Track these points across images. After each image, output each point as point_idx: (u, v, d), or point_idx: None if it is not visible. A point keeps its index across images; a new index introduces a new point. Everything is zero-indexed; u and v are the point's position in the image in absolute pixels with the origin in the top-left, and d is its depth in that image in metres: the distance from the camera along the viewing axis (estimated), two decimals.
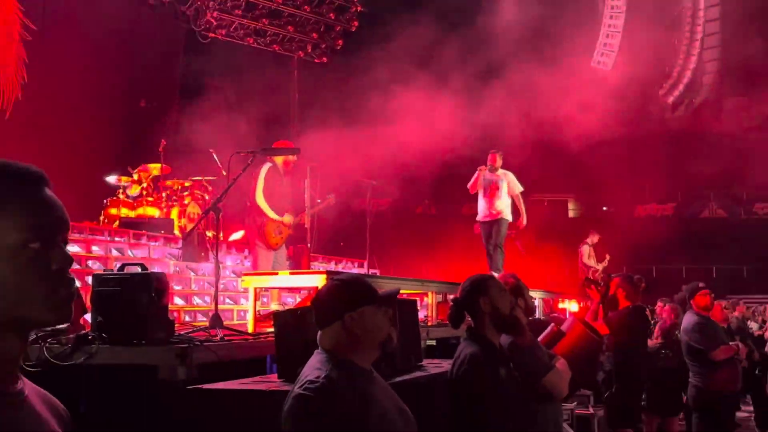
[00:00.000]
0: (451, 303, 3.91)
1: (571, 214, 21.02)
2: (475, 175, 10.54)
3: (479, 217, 10.69)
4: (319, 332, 2.76)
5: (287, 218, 8.15)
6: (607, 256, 15.11)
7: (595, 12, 18.54)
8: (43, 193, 1.40)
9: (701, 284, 7.64)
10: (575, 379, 4.41)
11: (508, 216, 10.54)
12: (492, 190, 10.50)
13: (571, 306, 11.54)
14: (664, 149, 17.57)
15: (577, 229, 17.89)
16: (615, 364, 6.83)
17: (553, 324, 5.15)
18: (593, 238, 15.26)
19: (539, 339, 4.65)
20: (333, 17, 17.20)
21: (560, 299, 12.04)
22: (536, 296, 10.20)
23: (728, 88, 19.63)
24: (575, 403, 7.10)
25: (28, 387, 1.42)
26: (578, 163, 16.30)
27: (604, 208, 19.89)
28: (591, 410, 7.21)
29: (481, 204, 10.59)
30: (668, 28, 19.02)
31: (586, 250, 15.30)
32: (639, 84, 17.52)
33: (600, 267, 15.14)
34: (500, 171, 10.59)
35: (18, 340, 1.38)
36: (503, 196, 10.48)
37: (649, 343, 7.57)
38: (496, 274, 9.42)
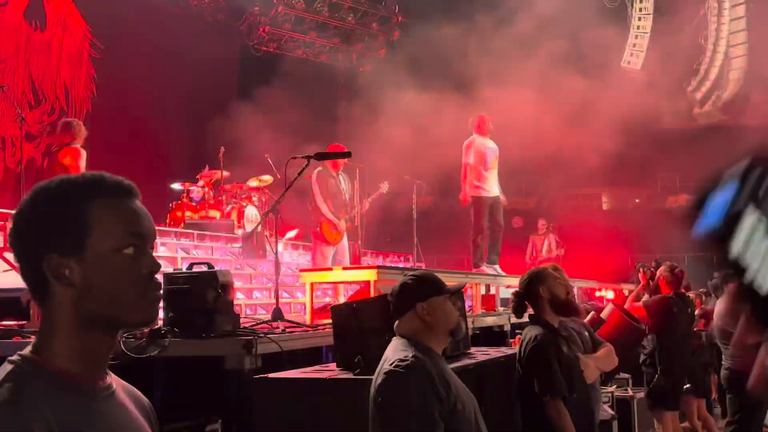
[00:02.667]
0: (513, 295, 4.25)
1: (604, 206, 20.74)
2: (478, 148, 8.85)
3: (482, 193, 8.85)
4: (397, 321, 2.91)
5: (342, 224, 8.17)
6: (562, 251, 13.50)
7: (624, 15, 18.28)
8: (135, 204, 1.43)
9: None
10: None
11: None
12: (493, 162, 8.89)
13: (608, 294, 11.39)
14: (692, 143, 17.22)
15: (611, 220, 17.63)
16: (654, 347, 6.78)
17: (593, 312, 5.10)
18: (543, 226, 13.73)
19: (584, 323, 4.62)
20: (376, 28, 17.19)
21: (597, 288, 11.89)
22: (574, 285, 10.04)
23: (753, 83, 19.21)
24: (615, 386, 7.00)
25: (115, 381, 1.45)
26: (610, 159, 16.07)
27: (636, 201, 19.59)
28: (630, 393, 7.10)
29: (482, 178, 8.83)
30: (695, 28, 18.66)
31: (535, 239, 13.79)
32: (667, 81, 17.25)
33: (546, 255, 13.30)
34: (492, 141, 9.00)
35: (108, 338, 1.41)
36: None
37: None
38: (497, 266, 9.13)
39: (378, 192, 8.74)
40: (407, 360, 2.67)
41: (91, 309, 1.35)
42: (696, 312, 7.86)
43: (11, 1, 11.41)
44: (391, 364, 2.68)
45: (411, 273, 3.05)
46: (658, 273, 7.10)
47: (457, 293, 3.01)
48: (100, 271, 1.35)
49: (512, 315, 7.33)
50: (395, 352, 2.76)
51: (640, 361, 7.02)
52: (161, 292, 1.43)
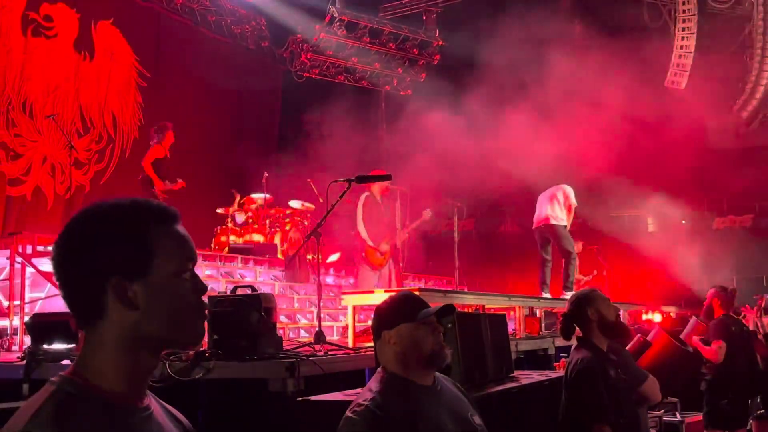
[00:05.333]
0: (561, 317, 4.11)
1: (650, 228, 20.45)
2: None
3: None
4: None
5: (383, 247, 8.26)
6: (595, 271, 12.97)
7: (667, 34, 18.10)
8: (181, 228, 1.47)
9: None
10: (663, 387, 4.31)
11: None
12: None
13: (655, 317, 11.21)
14: (739, 162, 16.94)
15: (657, 243, 17.38)
16: (711, 371, 6.67)
17: (639, 335, 5.02)
18: (577, 247, 12.39)
19: (626, 349, 4.55)
20: (416, 52, 17.30)
21: (643, 311, 11.71)
22: (619, 308, 9.88)
23: None
24: (663, 410, 6.86)
25: (154, 402, 1.47)
26: (656, 179, 15.87)
27: (683, 222, 19.29)
28: (679, 417, 6.94)
29: None
30: (740, 46, 18.40)
31: None
32: (713, 101, 17.00)
33: (584, 279, 12.65)
34: None
35: (154, 358, 1.43)
36: None
37: None
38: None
39: (421, 219, 8.80)
40: (363, 405, 2.44)
41: (151, 330, 1.38)
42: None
43: (61, 32, 11.73)
44: (350, 409, 2.47)
45: (389, 296, 2.77)
46: (710, 296, 6.98)
47: (444, 316, 2.68)
48: (164, 294, 1.39)
49: (556, 338, 7.31)
50: (365, 390, 2.57)
51: (702, 388, 6.89)
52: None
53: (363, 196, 8.14)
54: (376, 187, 8.28)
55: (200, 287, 1.45)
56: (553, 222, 9.74)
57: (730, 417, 6.67)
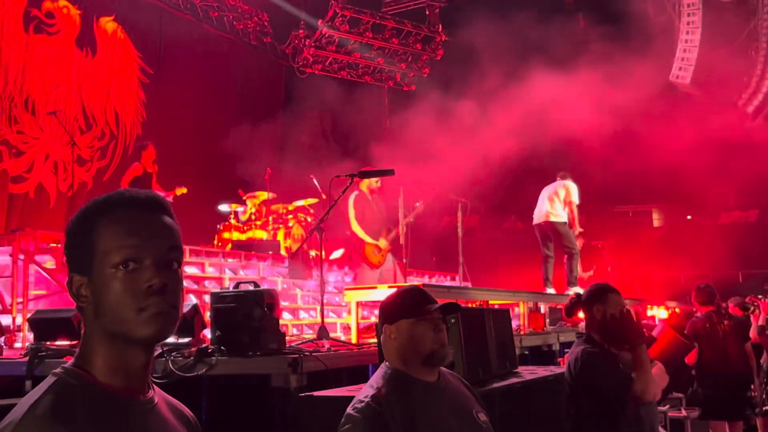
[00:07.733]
0: (574, 296, 4.08)
1: (655, 223, 20.42)
2: None
3: None
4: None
5: (382, 242, 8.25)
6: (594, 266, 12.83)
7: (671, 28, 18.07)
8: (149, 217, 1.42)
9: None
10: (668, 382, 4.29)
11: None
12: None
13: (660, 312, 11.20)
14: (745, 157, 16.91)
15: (662, 238, 17.36)
16: (696, 365, 6.80)
17: (644, 330, 5.02)
18: (578, 243, 13.33)
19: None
20: (419, 47, 17.26)
21: (648, 306, 11.69)
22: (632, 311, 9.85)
23: None
24: (668, 406, 6.87)
25: (158, 395, 1.46)
26: (661, 174, 15.85)
27: (688, 217, 19.26)
28: (684, 412, 6.95)
29: None
30: (745, 40, 18.36)
31: None
32: (718, 95, 16.98)
33: (585, 275, 12.35)
34: None
35: (138, 352, 1.39)
36: None
37: None
38: None
39: (414, 212, 8.77)
40: (364, 402, 2.42)
41: (105, 325, 1.37)
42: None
43: (63, 28, 11.74)
44: (351, 405, 2.45)
45: (396, 290, 2.74)
46: (692, 296, 7.12)
47: (448, 314, 2.64)
48: (103, 288, 1.37)
49: (560, 334, 7.32)
50: (367, 386, 2.54)
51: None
52: (173, 305, 1.39)
53: (353, 195, 8.12)
54: (365, 185, 8.29)
55: (146, 278, 1.36)
56: (552, 219, 9.80)
57: (708, 407, 6.79)
